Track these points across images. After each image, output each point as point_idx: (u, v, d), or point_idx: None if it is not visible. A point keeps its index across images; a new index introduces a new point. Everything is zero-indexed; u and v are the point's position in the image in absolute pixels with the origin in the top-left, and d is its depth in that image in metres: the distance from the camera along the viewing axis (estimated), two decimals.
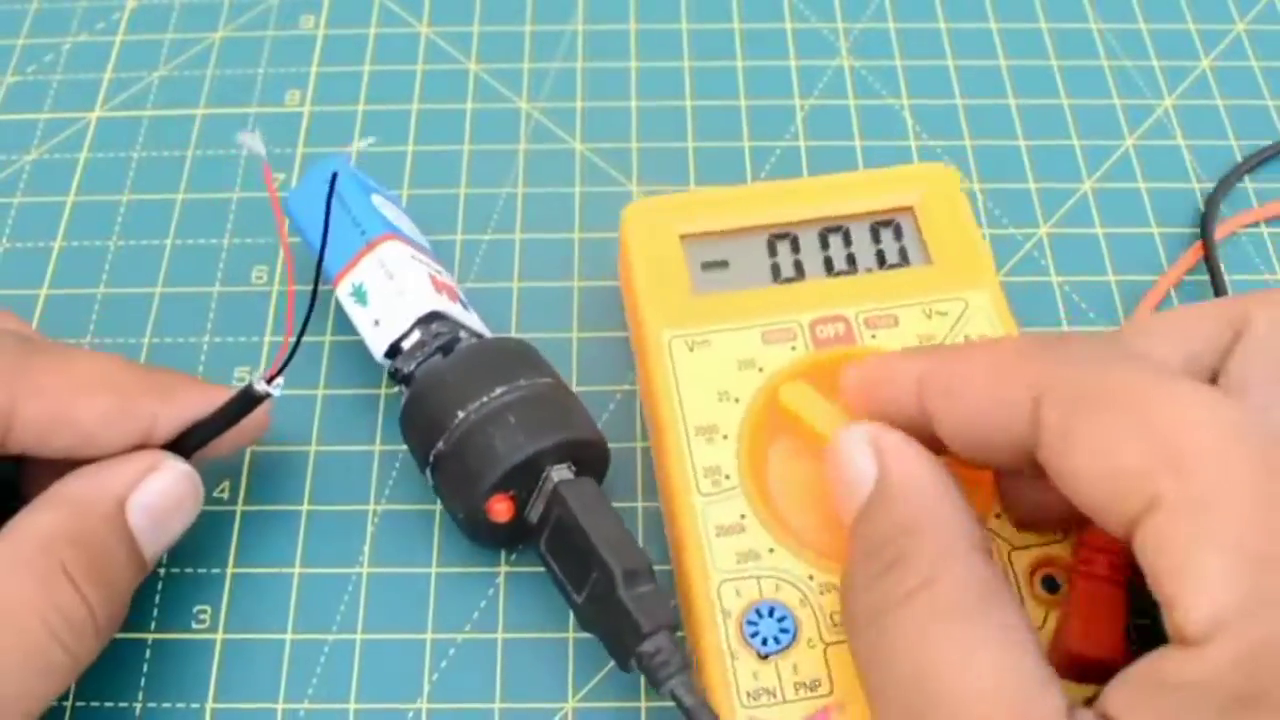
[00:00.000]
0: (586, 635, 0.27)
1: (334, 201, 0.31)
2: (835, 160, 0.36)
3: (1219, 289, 0.33)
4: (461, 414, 0.27)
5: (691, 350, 0.29)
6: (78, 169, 0.36)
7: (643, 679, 0.25)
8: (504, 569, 0.29)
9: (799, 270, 0.31)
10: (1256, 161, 0.36)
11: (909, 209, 0.31)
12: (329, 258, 0.30)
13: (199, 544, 0.29)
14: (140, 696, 0.27)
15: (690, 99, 0.38)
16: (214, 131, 0.37)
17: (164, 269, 0.34)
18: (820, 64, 0.39)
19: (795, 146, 0.37)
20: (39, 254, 0.34)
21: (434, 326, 0.29)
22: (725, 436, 0.28)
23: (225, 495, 0.30)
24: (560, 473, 0.27)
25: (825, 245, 0.31)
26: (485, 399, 0.27)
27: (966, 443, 0.23)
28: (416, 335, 0.29)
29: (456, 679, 0.28)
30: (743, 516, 0.27)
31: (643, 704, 0.27)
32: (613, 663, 0.26)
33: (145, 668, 0.28)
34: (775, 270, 0.31)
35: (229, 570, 0.29)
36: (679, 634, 0.27)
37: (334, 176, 0.28)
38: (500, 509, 0.27)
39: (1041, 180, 0.36)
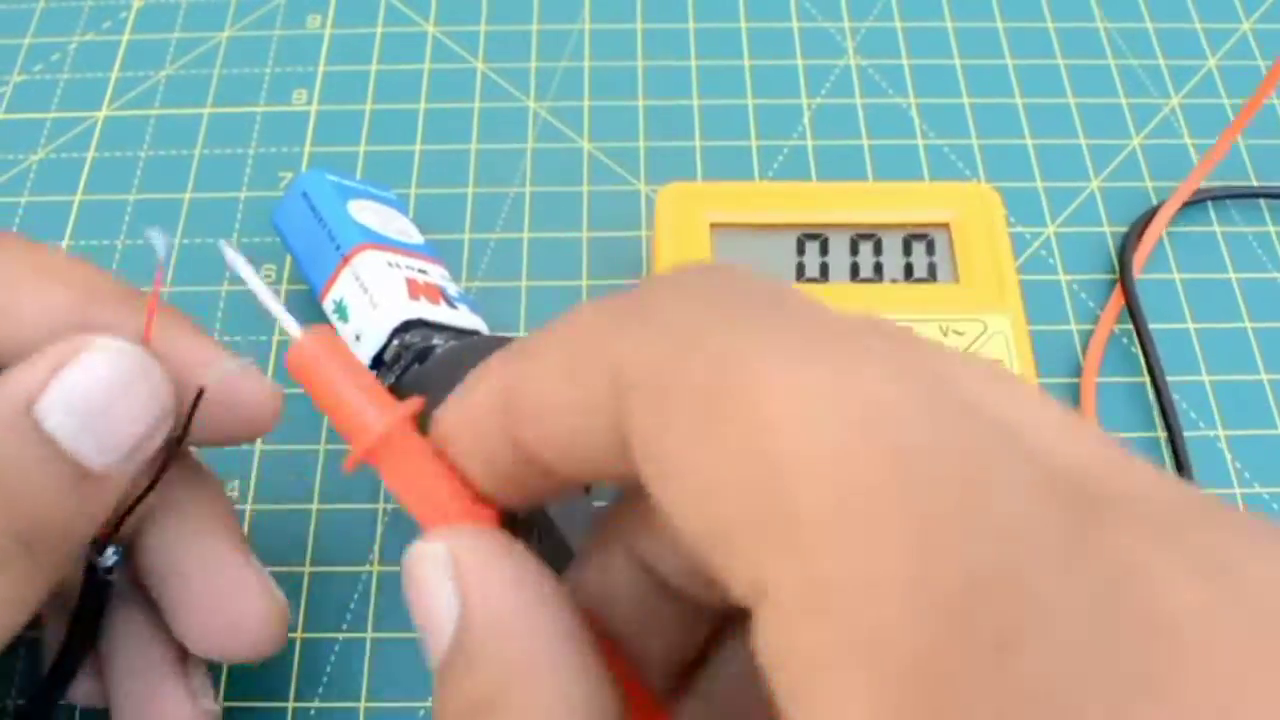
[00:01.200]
0: None
1: (311, 218, 0.31)
2: (843, 159, 0.36)
3: (1141, 332, 0.32)
4: None
5: None
6: (85, 168, 0.36)
7: None
8: None
9: (823, 272, 0.31)
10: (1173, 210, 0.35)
11: (945, 225, 0.31)
12: (313, 276, 0.31)
13: None
14: None
15: (697, 98, 0.38)
16: (221, 131, 0.37)
17: (172, 268, 0.34)
18: (827, 63, 0.39)
19: (803, 145, 0.37)
20: None
21: (408, 336, 0.29)
22: None
23: (234, 494, 0.30)
24: None
25: (855, 251, 0.31)
26: None
27: (575, 473, 0.16)
28: (394, 346, 0.29)
29: None
30: None
31: None
32: None
33: None
34: (800, 269, 0.31)
35: None
36: None
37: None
38: None
39: (1048, 179, 0.36)
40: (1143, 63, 0.39)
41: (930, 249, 0.31)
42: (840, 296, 0.30)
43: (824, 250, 0.31)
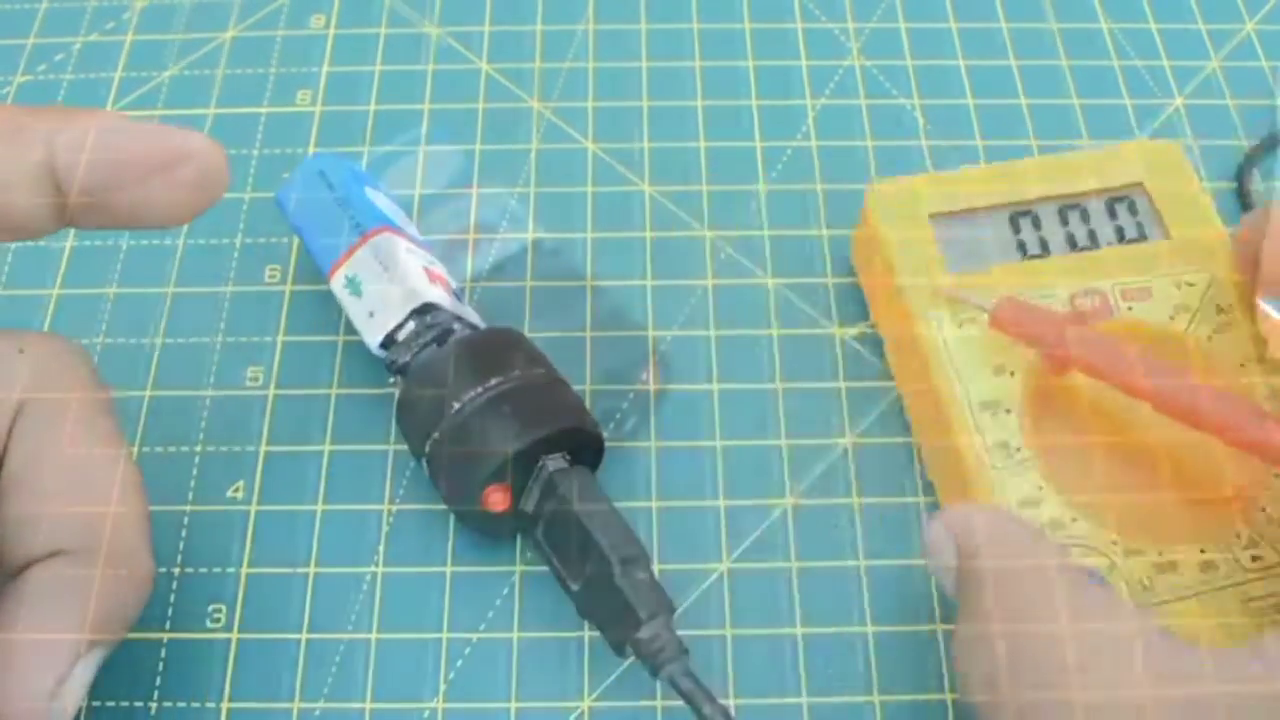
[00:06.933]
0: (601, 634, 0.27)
1: (327, 194, 0.31)
2: (847, 160, 0.36)
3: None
4: (457, 405, 0.27)
5: (960, 327, 0.30)
6: None
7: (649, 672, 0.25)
8: (519, 568, 0.29)
9: (1044, 247, 0.31)
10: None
11: (1139, 185, 0.32)
12: (321, 252, 0.30)
13: (213, 544, 0.29)
14: (155, 696, 0.27)
15: (701, 99, 0.38)
16: (225, 131, 0.37)
17: (176, 268, 0.34)
18: (831, 64, 0.39)
19: (807, 146, 0.37)
20: (51, 254, 0.34)
21: (428, 318, 0.29)
22: (1008, 410, 0.28)
23: (239, 495, 0.30)
24: (555, 462, 0.27)
25: (1065, 222, 0.31)
26: (480, 389, 0.27)
27: None
28: (411, 326, 0.29)
29: (471, 678, 0.28)
30: (1040, 488, 0.27)
31: (658, 702, 0.27)
32: (628, 661, 0.26)
33: (160, 667, 0.28)
34: (1022, 247, 0.31)
35: (243, 570, 0.29)
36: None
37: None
38: (496, 499, 0.27)
39: None
40: (1146, 63, 0.39)
41: (1133, 209, 0.32)
42: (1069, 267, 0.30)
43: (1037, 225, 0.31)
